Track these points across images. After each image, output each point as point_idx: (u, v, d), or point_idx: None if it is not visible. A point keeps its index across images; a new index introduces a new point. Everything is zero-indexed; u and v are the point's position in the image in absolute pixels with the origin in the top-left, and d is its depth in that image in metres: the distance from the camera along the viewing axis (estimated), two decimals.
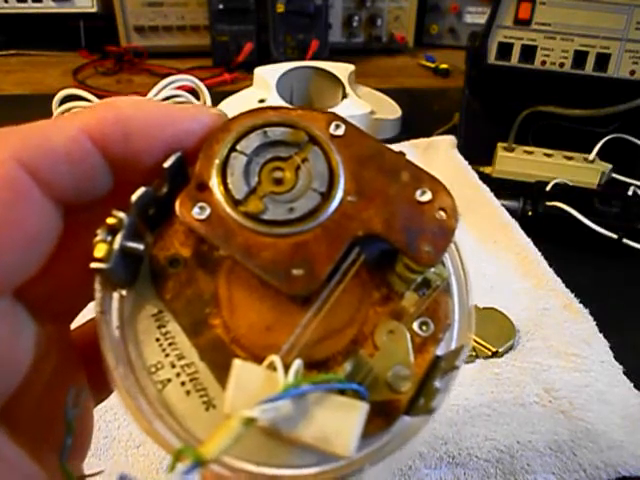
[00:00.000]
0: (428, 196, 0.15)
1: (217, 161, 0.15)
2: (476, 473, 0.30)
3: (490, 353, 0.37)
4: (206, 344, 0.15)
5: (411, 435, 0.14)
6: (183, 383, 0.14)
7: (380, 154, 0.16)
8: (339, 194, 0.15)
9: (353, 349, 0.14)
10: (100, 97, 0.62)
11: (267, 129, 0.16)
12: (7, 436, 0.13)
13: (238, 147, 0.15)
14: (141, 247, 0.15)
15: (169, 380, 0.14)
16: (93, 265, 0.13)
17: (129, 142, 0.14)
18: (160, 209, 0.15)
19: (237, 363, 0.13)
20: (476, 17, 1.03)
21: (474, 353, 0.37)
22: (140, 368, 0.14)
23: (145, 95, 0.63)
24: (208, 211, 0.14)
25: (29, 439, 0.14)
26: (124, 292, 0.15)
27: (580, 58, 0.57)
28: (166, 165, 0.15)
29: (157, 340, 0.15)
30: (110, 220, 0.14)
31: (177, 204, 0.15)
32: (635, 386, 0.35)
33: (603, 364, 0.36)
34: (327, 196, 0.15)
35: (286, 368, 0.13)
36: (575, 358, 0.37)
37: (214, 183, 0.15)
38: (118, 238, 0.14)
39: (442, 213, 0.15)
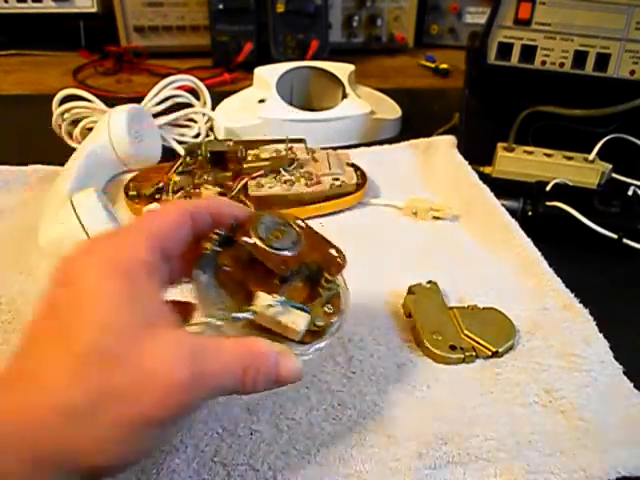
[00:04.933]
0: (335, 252, 0.32)
1: (253, 224, 0.30)
2: (476, 473, 0.30)
3: (490, 353, 0.37)
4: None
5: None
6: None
7: (316, 233, 0.32)
8: (300, 245, 0.30)
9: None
10: (100, 97, 0.62)
11: (273, 217, 0.31)
12: None
13: (262, 219, 0.30)
14: (219, 249, 0.29)
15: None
16: (202, 250, 0.29)
17: (209, 215, 0.29)
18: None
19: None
20: (476, 17, 1.03)
21: (474, 353, 0.37)
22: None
23: (145, 95, 0.63)
24: (252, 241, 0.29)
25: None
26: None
27: (580, 58, 0.57)
28: (234, 223, 0.30)
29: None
30: (212, 235, 0.29)
31: (240, 236, 0.29)
32: (635, 386, 0.35)
33: (603, 364, 0.36)
34: (296, 244, 0.30)
35: None
36: (575, 358, 0.37)
37: (252, 232, 0.29)
38: (213, 242, 0.29)
39: (339, 260, 0.31)
